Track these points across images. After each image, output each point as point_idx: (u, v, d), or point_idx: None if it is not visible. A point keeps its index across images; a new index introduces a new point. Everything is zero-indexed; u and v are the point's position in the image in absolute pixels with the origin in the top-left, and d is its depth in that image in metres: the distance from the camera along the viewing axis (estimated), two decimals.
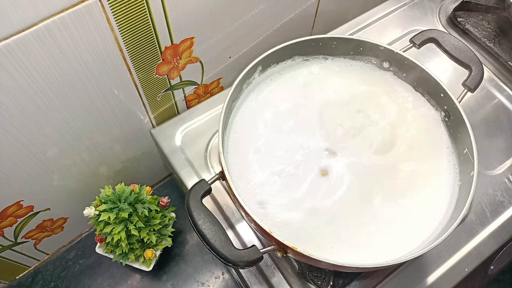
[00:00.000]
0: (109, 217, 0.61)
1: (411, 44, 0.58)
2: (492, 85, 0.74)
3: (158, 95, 0.66)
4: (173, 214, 0.72)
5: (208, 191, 0.47)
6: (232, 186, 0.46)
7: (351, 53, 0.60)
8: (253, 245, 0.44)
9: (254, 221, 0.44)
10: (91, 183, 0.72)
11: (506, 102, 0.72)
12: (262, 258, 0.44)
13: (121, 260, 0.68)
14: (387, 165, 0.54)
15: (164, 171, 0.87)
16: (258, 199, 0.51)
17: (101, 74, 0.54)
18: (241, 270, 0.58)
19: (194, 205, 0.45)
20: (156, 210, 0.67)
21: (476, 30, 0.77)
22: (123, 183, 0.64)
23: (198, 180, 0.63)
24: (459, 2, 0.82)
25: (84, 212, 0.61)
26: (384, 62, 0.60)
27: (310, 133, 0.56)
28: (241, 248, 0.44)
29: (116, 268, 0.78)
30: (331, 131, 0.56)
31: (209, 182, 0.47)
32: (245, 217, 0.49)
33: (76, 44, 0.47)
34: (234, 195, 0.46)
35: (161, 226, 0.68)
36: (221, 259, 0.42)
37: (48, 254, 0.80)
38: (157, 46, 0.56)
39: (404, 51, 0.57)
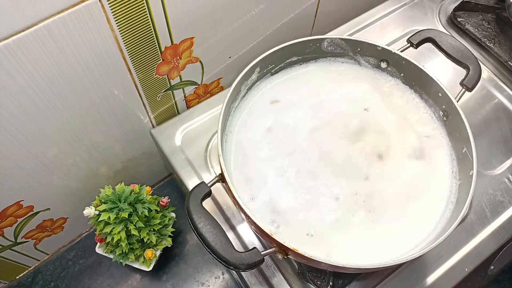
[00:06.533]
0: (109, 217, 0.61)
1: (409, 44, 0.58)
2: (492, 85, 0.74)
3: (158, 95, 0.66)
4: (173, 214, 0.72)
5: (208, 194, 0.47)
6: (232, 189, 0.46)
7: (350, 53, 0.60)
8: (254, 248, 0.44)
9: (255, 223, 0.44)
10: (91, 183, 0.72)
11: (506, 102, 0.72)
12: (264, 261, 0.44)
13: (121, 260, 0.68)
14: (385, 165, 0.54)
15: (164, 171, 0.87)
16: (259, 201, 0.51)
17: (101, 74, 0.54)
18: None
19: (194, 208, 0.45)
20: (156, 210, 0.67)
21: (476, 30, 0.77)
22: (123, 183, 0.64)
23: (198, 180, 0.63)
24: (459, 2, 0.82)
25: (84, 212, 0.62)
26: (382, 62, 0.60)
27: (310, 134, 0.56)
28: (242, 250, 0.44)
29: (116, 268, 0.78)
30: (330, 133, 0.56)
31: (209, 185, 0.47)
32: (245, 219, 0.49)
33: (76, 44, 0.47)
34: (234, 198, 0.46)
35: (161, 226, 0.68)
36: (222, 262, 0.42)
37: (48, 254, 0.80)
38: (157, 46, 0.56)
39: (401, 51, 0.57)
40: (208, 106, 0.71)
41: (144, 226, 0.64)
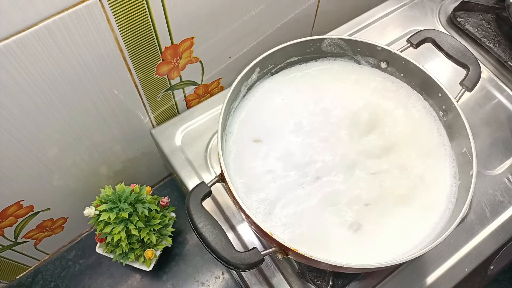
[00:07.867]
0: (109, 217, 0.61)
1: (409, 44, 0.58)
2: (492, 85, 0.74)
3: (158, 95, 0.66)
4: (173, 214, 0.72)
5: (208, 194, 0.47)
6: (232, 189, 0.46)
7: (350, 53, 0.60)
8: (254, 247, 0.44)
9: (255, 224, 0.44)
10: (91, 183, 0.72)
11: (506, 102, 0.72)
12: (263, 261, 0.44)
13: (121, 260, 0.68)
14: (384, 165, 0.54)
15: (164, 171, 0.87)
16: (258, 201, 0.51)
17: (101, 74, 0.54)
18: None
19: (194, 208, 0.45)
20: (156, 210, 0.67)
21: (476, 30, 0.77)
22: (123, 183, 0.64)
23: (198, 180, 0.63)
24: (459, 2, 0.82)
25: (84, 212, 0.62)
26: (382, 62, 0.60)
27: (310, 135, 0.56)
28: (242, 250, 0.44)
29: (116, 268, 0.78)
30: (330, 134, 0.56)
31: (209, 185, 0.47)
32: (245, 219, 0.49)
33: (76, 44, 0.47)
34: (234, 198, 0.46)
35: (161, 226, 0.68)
36: (222, 262, 0.42)
37: (48, 254, 0.80)
38: (157, 46, 0.56)
39: (401, 51, 0.57)
40: (208, 106, 0.71)
41: (144, 226, 0.64)
